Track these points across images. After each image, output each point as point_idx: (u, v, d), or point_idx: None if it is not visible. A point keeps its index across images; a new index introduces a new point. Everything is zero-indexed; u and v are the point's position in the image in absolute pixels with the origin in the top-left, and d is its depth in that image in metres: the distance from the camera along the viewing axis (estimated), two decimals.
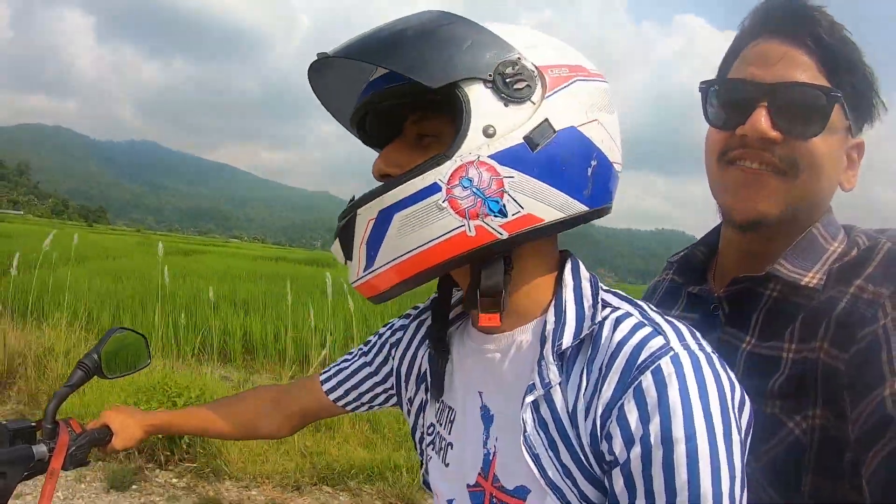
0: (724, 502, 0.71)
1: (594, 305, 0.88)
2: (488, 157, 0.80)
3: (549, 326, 0.88)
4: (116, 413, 1.39)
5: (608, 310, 0.88)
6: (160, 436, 4.81)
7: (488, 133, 0.80)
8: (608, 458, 0.78)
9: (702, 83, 1.15)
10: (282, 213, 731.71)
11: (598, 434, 0.79)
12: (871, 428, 0.85)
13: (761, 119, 1.02)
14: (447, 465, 1.03)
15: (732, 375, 0.80)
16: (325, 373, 1.35)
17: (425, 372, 1.12)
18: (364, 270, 0.87)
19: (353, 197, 0.89)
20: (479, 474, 0.95)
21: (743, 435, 0.77)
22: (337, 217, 0.90)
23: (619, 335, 0.82)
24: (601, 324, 0.85)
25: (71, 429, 1.30)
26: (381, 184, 0.85)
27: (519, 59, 0.83)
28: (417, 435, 1.14)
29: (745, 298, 1.12)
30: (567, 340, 0.85)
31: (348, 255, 0.89)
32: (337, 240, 0.90)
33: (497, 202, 0.80)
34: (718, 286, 1.19)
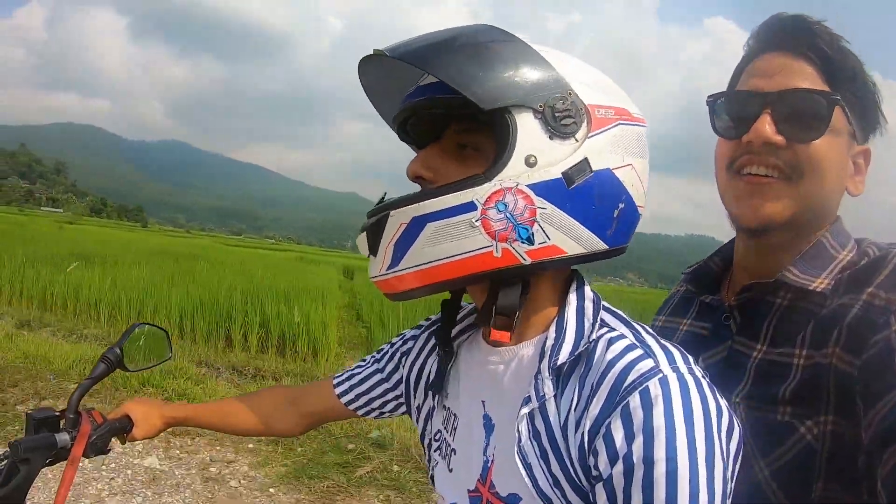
0: None
1: (594, 323, 0.90)
2: (526, 185, 0.82)
3: (549, 342, 0.90)
4: (138, 404, 1.45)
5: (605, 329, 0.90)
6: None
7: (530, 162, 0.82)
8: (594, 472, 0.80)
9: (709, 97, 1.19)
10: (309, 213, 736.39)
11: (586, 448, 0.81)
12: (885, 432, 0.86)
13: (765, 125, 1.06)
14: (451, 470, 1.06)
15: (722, 401, 0.81)
16: (338, 377, 1.39)
17: (432, 381, 1.15)
18: (387, 269, 0.89)
19: (385, 195, 0.92)
20: (479, 480, 0.98)
21: (729, 460, 0.78)
22: (361, 220, 0.92)
23: (610, 355, 0.84)
24: (596, 342, 0.88)
25: (92, 418, 1.34)
26: (416, 188, 0.90)
27: (570, 94, 0.85)
28: (426, 441, 1.17)
29: (756, 306, 1.13)
30: (563, 356, 0.87)
31: (373, 250, 0.90)
32: (364, 234, 0.92)
33: (527, 230, 0.83)
34: (731, 296, 1.21)
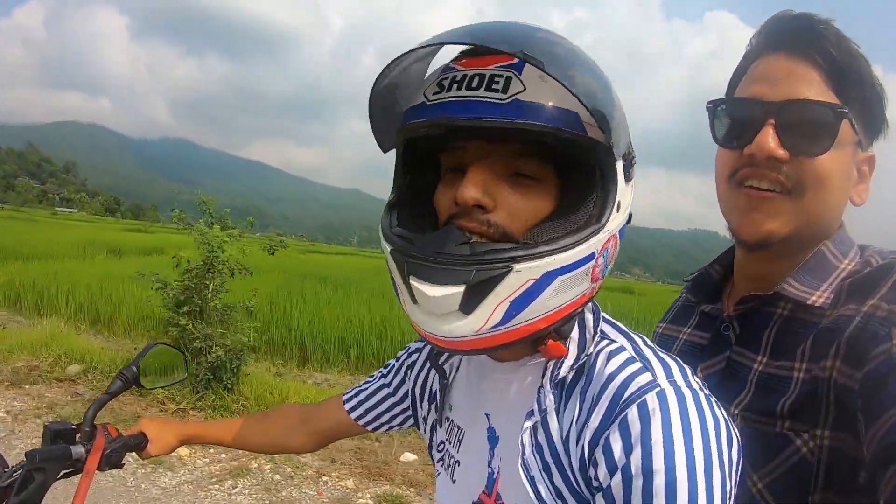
0: None
1: (593, 337, 0.91)
2: (618, 230, 0.86)
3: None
4: (152, 422, 1.49)
5: (605, 342, 0.90)
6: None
7: (618, 208, 0.84)
8: (594, 483, 0.80)
9: (709, 103, 1.15)
10: (314, 210, 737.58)
11: (587, 459, 0.82)
12: (887, 449, 0.84)
13: (768, 138, 1.02)
14: (454, 481, 1.06)
15: (721, 412, 0.81)
16: (347, 394, 1.42)
17: (435, 392, 1.16)
18: (492, 327, 0.80)
19: (469, 238, 0.81)
20: (483, 492, 0.98)
21: (729, 471, 0.77)
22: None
23: (609, 368, 0.84)
24: (596, 355, 0.88)
25: (108, 433, 1.39)
26: (542, 245, 0.79)
27: (630, 139, 0.87)
28: (433, 452, 1.16)
29: (756, 317, 1.12)
30: (564, 370, 0.88)
31: (470, 307, 0.78)
32: (448, 286, 0.78)
33: (608, 268, 0.88)
34: (730, 305, 1.19)
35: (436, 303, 0.79)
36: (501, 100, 0.77)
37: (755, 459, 0.99)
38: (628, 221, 0.89)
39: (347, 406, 1.39)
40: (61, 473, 1.29)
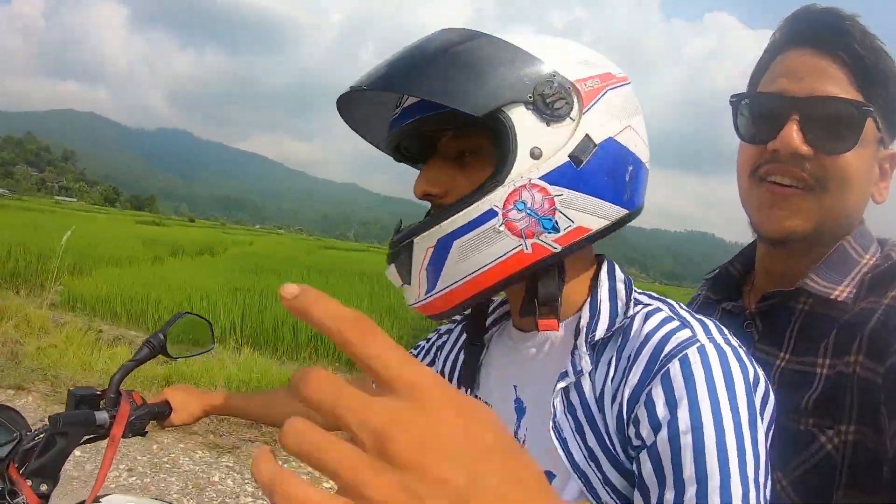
0: (749, 487, 0.73)
1: (627, 303, 0.91)
2: (538, 178, 0.83)
3: (584, 321, 0.91)
4: (177, 390, 1.52)
5: (640, 306, 0.91)
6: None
7: (535, 155, 0.83)
8: (635, 442, 0.80)
9: (732, 97, 1.15)
10: (311, 203, 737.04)
11: (625, 418, 0.82)
12: None
13: (793, 134, 1.01)
14: None
15: (758, 368, 0.83)
16: None
17: (461, 374, 1.14)
18: (426, 294, 0.89)
19: (400, 222, 0.95)
20: None
21: (766, 425, 0.80)
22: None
23: (647, 327, 0.85)
24: (632, 317, 0.89)
25: (133, 400, 1.40)
26: (431, 211, 0.94)
27: (554, 75, 0.85)
28: None
29: (778, 314, 1.11)
30: (600, 332, 0.88)
31: (406, 279, 0.91)
32: (392, 265, 0.92)
33: (550, 220, 0.84)
34: (752, 302, 1.18)
35: (393, 280, 0.94)
36: (405, 107, 0.91)
37: (780, 456, 0.96)
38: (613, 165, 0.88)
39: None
40: (84, 439, 1.31)
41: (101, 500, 1.39)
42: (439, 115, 0.86)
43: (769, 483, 0.76)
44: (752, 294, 1.22)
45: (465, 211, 0.83)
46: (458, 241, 0.84)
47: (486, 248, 0.84)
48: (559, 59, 0.86)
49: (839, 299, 1.03)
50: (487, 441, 0.35)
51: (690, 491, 0.73)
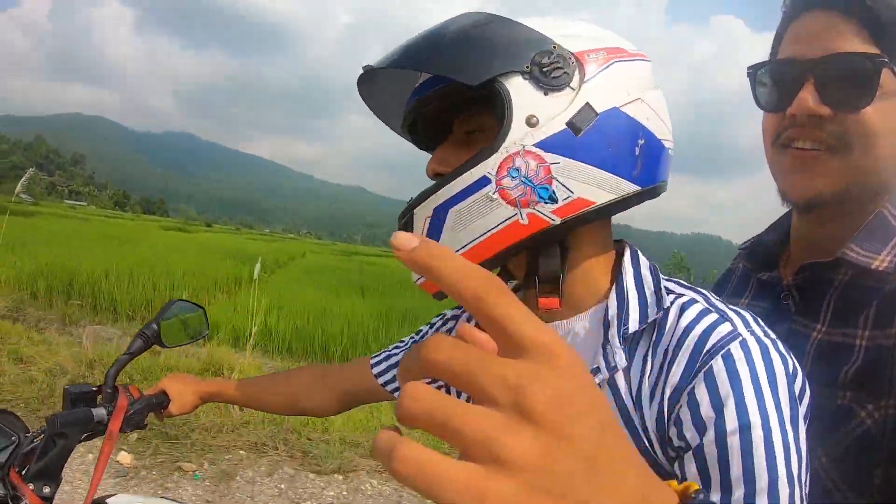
0: (795, 485, 0.72)
1: (657, 292, 0.88)
2: (533, 145, 0.81)
3: (612, 311, 0.88)
4: (173, 380, 1.50)
5: (672, 296, 0.88)
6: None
7: (531, 122, 0.82)
8: (677, 443, 0.78)
9: (749, 67, 1.13)
10: (316, 206, 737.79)
11: (665, 418, 0.80)
12: None
13: (808, 97, 1.00)
14: None
15: (795, 362, 0.81)
16: (375, 356, 1.38)
17: None
18: None
19: (412, 199, 0.91)
20: None
21: (804, 418, 0.79)
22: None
23: (685, 320, 0.82)
24: (666, 309, 0.86)
25: (129, 394, 1.37)
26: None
27: (554, 47, 0.84)
28: None
29: (815, 285, 1.08)
30: (633, 325, 0.85)
31: None
32: None
33: (546, 189, 0.81)
34: (788, 273, 1.16)
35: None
36: (416, 87, 0.96)
37: (819, 432, 0.91)
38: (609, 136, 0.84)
39: (375, 370, 1.35)
40: (83, 436, 1.29)
41: (107, 500, 1.39)
42: (443, 90, 0.89)
43: (807, 479, 0.75)
44: (788, 265, 1.19)
45: (459, 178, 0.83)
46: (454, 210, 0.84)
47: (481, 218, 0.82)
48: (562, 34, 0.86)
49: (880, 269, 1.00)
50: (610, 416, 0.35)
51: (738, 492, 0.72)
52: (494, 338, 0.36)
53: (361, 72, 0.93)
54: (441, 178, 0.86)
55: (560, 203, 0.82)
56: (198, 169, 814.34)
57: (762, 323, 0.84)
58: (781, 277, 1.17)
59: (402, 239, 0.36)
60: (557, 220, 0.82)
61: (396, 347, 1.36)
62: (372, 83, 0.99)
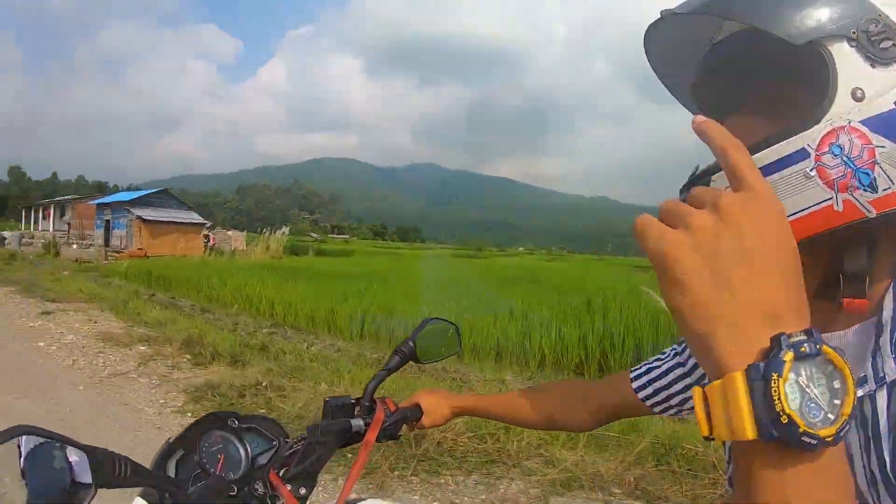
0: None
1: None
2: (859, 122, 0.73)
3: (887, 314, 0.76)
4: (427, 394, 1.54)
5: None
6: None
7: (857, 96, 0.74)
8: None
9: None
10: (562, 220, 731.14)
11: None
12: None
13: None
14: None
15: None
16: (635, 370, 1.34)
17: None
18: None
19: (697, 167, 0.84)
20: None
21: None
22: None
23: None
24: None
25: (386, 406, 1.46)
26: None
27: (881, 15, 0.75)
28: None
29: None
30: None
31: None
32: None
33: (868, 174, 0.73)
34: None
35: None
36: (716, 43, 0.91)
37: None
38: None
39: (636, 384, 1.31)
40: (340, 444, 1.37)
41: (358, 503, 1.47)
42: (753, 48, 0.83)
43: None
44: None
45: (776, 146, 0.75)
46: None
47: (793, 196, 0.74)
48: (885, 2, 0.77)
49: None
50: (791, 250, 0.51)
51: None
52: (728, 178, 0.55)
53: (658, 17, 0.87)
54: (750, 145, 0.73)
55: (879, 194, 0.73)
56: (443, 196, 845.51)
57: None
58: None
59: (698, 118, 0.53)
60: (874, 213, 0.74)
61: (657, 359, 1.32)
62: (664, 30, 0.92)
